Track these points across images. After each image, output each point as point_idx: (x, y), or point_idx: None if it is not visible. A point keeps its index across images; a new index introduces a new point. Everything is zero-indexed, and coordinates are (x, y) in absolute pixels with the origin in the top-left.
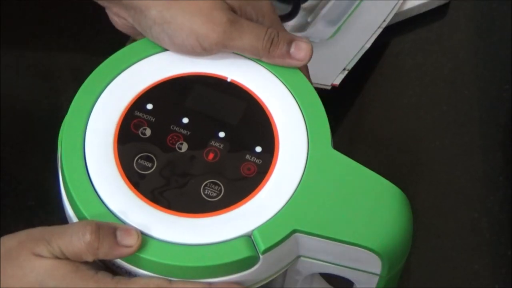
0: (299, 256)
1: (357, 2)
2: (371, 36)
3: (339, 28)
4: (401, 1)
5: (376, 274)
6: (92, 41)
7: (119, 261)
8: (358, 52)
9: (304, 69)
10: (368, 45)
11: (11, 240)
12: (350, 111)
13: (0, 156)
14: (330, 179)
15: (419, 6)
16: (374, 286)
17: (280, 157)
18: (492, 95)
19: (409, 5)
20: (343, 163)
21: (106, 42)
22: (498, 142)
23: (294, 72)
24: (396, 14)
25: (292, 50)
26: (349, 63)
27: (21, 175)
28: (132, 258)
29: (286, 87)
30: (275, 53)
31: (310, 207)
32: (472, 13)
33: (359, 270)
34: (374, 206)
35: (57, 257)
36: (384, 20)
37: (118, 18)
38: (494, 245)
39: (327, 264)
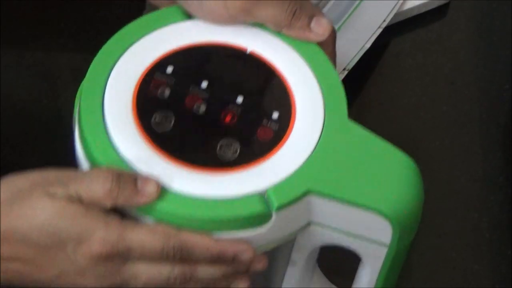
0: (310, 224)
1: (357, 2)
2: (371, 36)
3: (339, 28)
4: (401, 1)
5: (385, 245)
6: (92, 41)
7: (129, 210)
8: (358, 52)
9: (330, 49)
10: (368, 45)
11: (23, 180)
12: (350, 111)
13: (0, 156)
14: (344, 146)
15: (419, 6)
16: (381, 263)
17: (297, 123)
18: (492, 95)
19: (409, 5)
20: (358, 132)
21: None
22: (498, 142)
23: (313, 47)
24: (396, 14)
25: (313, 24)
26: (349, 63)
27: None
28: (144, 206)
29: (304, 60)
30: (296, 25)
31: (324, 169)
32: (472, 13)
33: (368, 240)
34: (387, 173)
35: (70, 199)
36: (384, 20)
37: None
38: (494, 245)
39: (336, 233)
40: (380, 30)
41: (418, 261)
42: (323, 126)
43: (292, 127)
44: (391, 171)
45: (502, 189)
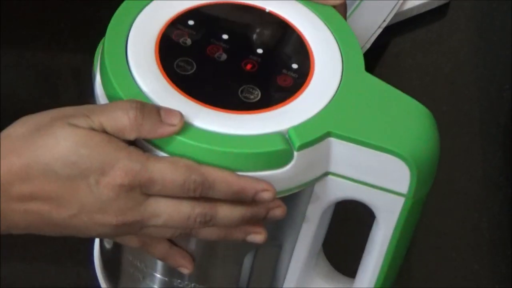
0: (327, 174)
1: (357, 2)
2: (371, 36)
3: None
4: (401, 1)
5: (403, 195)
6: (92, 41)
7: (149, 145)
8: None
9: (342, 15)
10: (368, 45)
11: (42, 116)
12: None
13: None
14: (362, 94)
15: (419, 6)
16: (396, 219)
17: (316, 73)
18: (492, 95)
19: (409, 5)
20: (375, 82)
21: None
22: (498, 142)
23: (329, 9)
24: (396, 14)
25: None
26: None
27: None
28: (166, 140)
29: (321, 19)
30: None
31: (344, 114)
32: (472, 13)
33: (386, 190)
34: (404, 119)
35: (93, 129)
36: (384, 20)
37: None
38: (494, 245)
39: (354, 184)
40: (380, 30)
41: (418, 261)
42: (341, 76)
43: (312, 76)
44: (408, 117)
45: (502, 189)
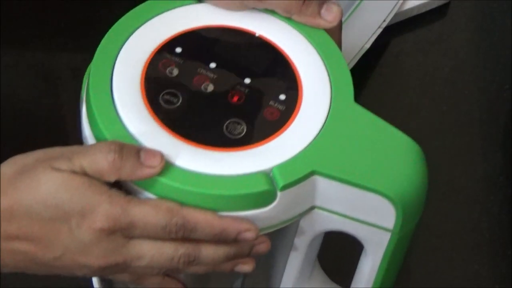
0: (314, 207)
1: (357, 2)
2: (371, 36)
3: None
4: (401, 1)
5: (389, 230)
6: (92, 41)
7: (132, 186)
8: (358, 52)
9: (337, 37)
10: (368, 45)
11: (27, 158)
12: None
13: (0, 156)
14: (350, 128)
15: (419, 6)
16: (383, 251)
17: (304, 105)
18: (492, 95)
19: (409, 5)
20: (364, 116)
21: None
22: (498, 142)
23: (321, 33)
24: (396, 14)
25: (323, 10)
26: (349, 63)
27: None
28: (148, 181)
29: (312, 44)
30: (307, 11)
31: (330, 151)
32: (472, 13)
33: (372, 225)
34: (391, 155)
35: (74, 172)
36: (384, 20)
37: None
38: (494, 245)
39: (340, 218)
40: (380, 30)
41: (418, 261)
42: (329, 108)
43: (299, 108)
44: (395, 154)
45: (502, 189)
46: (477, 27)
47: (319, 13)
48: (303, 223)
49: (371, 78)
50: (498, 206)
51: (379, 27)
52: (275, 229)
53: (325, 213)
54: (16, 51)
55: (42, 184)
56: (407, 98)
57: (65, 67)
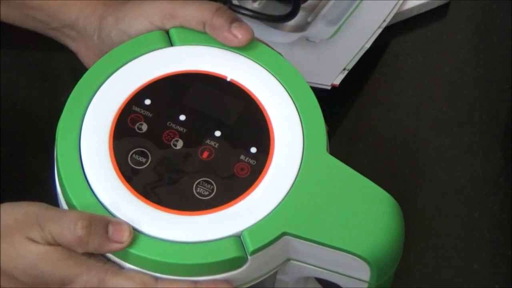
0: (289, 259)
1: (357, 2)
2: (371, 36)
3: (339, 28)
4: (401, 1)
5: (365, 281)
6: None
7: (108, 254)
8: (358, 52)
9: None
10: (368, 45)
11: (9, 216)
12: (350, 111)
13: (0, 156)
14: (323, 184)
15: (419, 6)
16: None
17: (275, 159)
18: (492, 95)
19: (409, 5)
20: (337, 169)
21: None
22: (498, 142)
23: (294, 75)
24: (396, 14)
25: (233, 26)
26: (349, 63)
27: (21, 175)
28: (120, 251)
29: (285, 89)
30: (217, 23)
31: (301, 210)
32: (472, 13)
33: (348, 276)
34: (366, 213)
35: (50, 243)
36: (384, 20)
37: (87, 49)
38: (494, 245)
39: (316, 268)
40: (380, 30)
41: (418, 261)
42: (301, 161)
43: (270, 162)
44: (369, 209)
45: (502, 189)
46: (477, 27)
47: (229, 27)
48: (280, 272)
49: (371, 78)
50: (498, 206)
51: (379, 27)
52: (251, 284)
53: (301, 264)
54: (16, 51)
55: (21, 256)
56: (407, 98)
57: (65, 67)
